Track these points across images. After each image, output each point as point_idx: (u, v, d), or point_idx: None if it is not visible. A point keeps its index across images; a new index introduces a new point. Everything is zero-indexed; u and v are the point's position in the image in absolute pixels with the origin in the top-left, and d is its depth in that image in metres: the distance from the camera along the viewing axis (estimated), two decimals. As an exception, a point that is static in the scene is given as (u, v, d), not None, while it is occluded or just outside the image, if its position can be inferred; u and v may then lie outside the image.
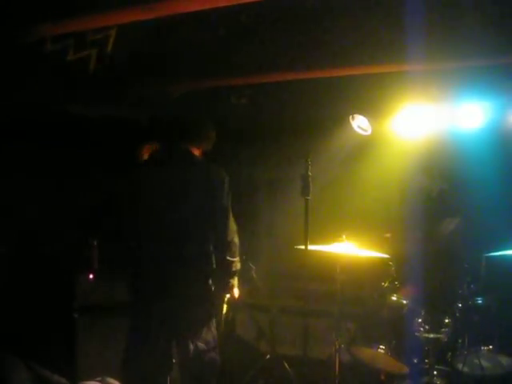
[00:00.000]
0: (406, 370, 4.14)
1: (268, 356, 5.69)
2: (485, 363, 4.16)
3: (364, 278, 4.61)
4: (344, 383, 4.51)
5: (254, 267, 5.50)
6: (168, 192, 3.86)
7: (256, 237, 6.34)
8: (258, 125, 5.81)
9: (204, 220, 3.86)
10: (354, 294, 4.71)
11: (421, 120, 5.21)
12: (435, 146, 5.30)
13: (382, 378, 4.45)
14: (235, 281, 4.11)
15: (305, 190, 3.99)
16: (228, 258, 3.93)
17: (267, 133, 5.87)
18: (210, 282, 3.86)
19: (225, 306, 4.24)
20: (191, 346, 3.85)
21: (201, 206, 3.86)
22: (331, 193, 5.61)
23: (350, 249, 4.25)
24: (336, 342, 4.35)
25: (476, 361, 4.12)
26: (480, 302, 4.29)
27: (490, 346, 4.17)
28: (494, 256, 4.21)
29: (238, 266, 4.05)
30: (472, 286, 4.31)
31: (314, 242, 4.16)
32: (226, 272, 3.97)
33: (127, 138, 5.06)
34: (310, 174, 3.98)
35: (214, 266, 3.88)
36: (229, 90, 5.50)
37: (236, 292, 4.17)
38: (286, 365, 5.47)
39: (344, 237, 4.29)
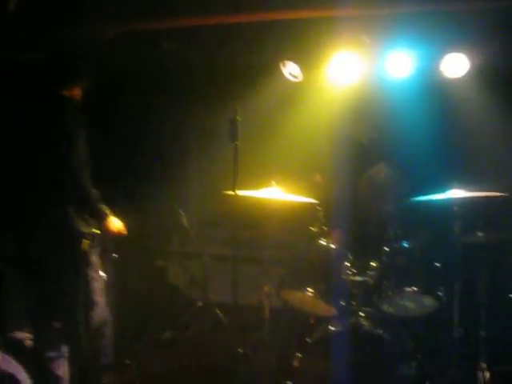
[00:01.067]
0: (333, 312, 4.21)
1: (200, 303, 5.72)
2: (409, 304, 4.27)
3: (293, 223, 4.65)
4: (275, 327, 4.59)
5: (184, 214, 5.49)
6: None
7: (186, 183, 6.31)
8: (189, 70, 5.71)
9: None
10: (283, 239, 4.75)
11: (351, 68, 5.21)
12: (365, 94, 5.33)
13: (311, 321, 4.54)
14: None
15: (233, 135, 3.96)
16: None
17: (198, 78, 5.79)
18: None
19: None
20: None
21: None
22: (262, 139, 5.59)
23: (278, 194, 4.28)
24: (266, 287, 4.41)
25: (401, 302, 4.23)
26: (405, 245, 4.39)
27: (414, 288, 4.28)
28: (420, 201, 4.30)
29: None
30: (398, 230, 4.39)
31: (244, 188, 4.16)
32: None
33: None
34: (238, 118, 3.95)
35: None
36: (160, 35, 5.39)
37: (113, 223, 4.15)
38: (218, 311, 5.52)
39: (273, 182, 4.32)
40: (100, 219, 4.07)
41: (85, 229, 3.99)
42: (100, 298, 4.15)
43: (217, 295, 5.61)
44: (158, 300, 5.97)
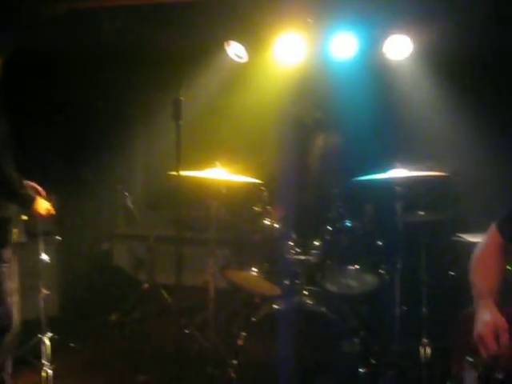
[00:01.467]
0: (278, 291, 4.24)
1: (146, 285, 5.71)
2: (352, 282, 4.33)
3: (237, 204, 4.65)
4: (221, 308, 4.61)
5: (129, 196, 5.44)
6: None
7: (131, 164, 6.26)
8: (132, 49, 5.63)
9: None
10: (227, 219, 4.76)
11: (296, 48, 5.22)
12: (310, 75, 5.35)
13: (257, 300, 4.56)
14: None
15: (176, 115, 3.92)
16: None
17: (141, 57, 5.71)
18: None
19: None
20: None
21: None
22: (207, 119, 5.58)
23: (222, 174, 4.27)
24: (211, 268, 4.42)
25: (343, 280, 4.28)
26: (348, 224, 4.45)
27: (357, 266, 4.35)
28: (362, 181, 4.35)
29: None
30: (341, 209, 4.44)
31: (188, 169, 4.14)
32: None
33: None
34: (181, 98, 3.92)
35: None
36: (102, 14, 5.31)
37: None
38: (164, 293, 5.52)
39: (217, 163, 4.31)
40: (25, 204, 3.93)
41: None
42: (11, 298, 3.90)
43: (163, 277, 5.60)
44: (104, 283, 5.93)
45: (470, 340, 2.49)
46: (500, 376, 2.34)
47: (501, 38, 4.93)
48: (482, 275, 2.67)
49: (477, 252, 2.77)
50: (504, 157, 4.84)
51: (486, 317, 2.46)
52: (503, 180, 4.85)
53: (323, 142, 5.19)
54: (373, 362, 4.34)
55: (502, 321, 2.44)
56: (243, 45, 5.26)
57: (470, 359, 2.43)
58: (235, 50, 5.28)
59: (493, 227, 2.72)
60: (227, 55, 5.28)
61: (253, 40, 5.24)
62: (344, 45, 5.18)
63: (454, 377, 2.49)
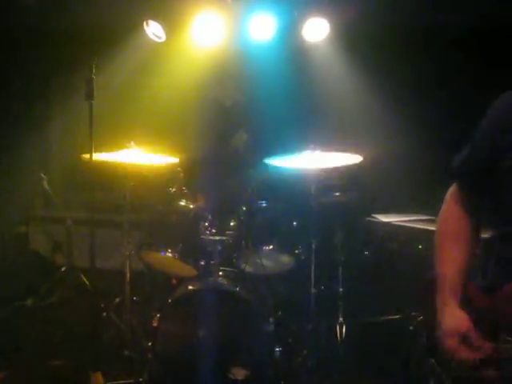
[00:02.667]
0: (194, 272, 4.23)
1: (64, 268, 5.61)
2: (266, 262, 4.36)
3: (152, 184, 4.61)
4: (137, 290, 4.58)
5: (45, 177, 5.32)
6: None
7: (47, 145, 6.12)
8: (48, 27, 5.50)
9: None
10: (142, 200, 4.71)
11: (215, 29, 5.19)
12: (229, 56, 5.34)
13: (174, 281, 4.55)
14: None
15: (89, 94, 3.85)
16: None
17: (58, 36, 5.58)
18: None
19: None
20: None
21: None
22: (123, 99, 5.50)
23: (138, 156, 4.23)
24: (126, 250, 4.38)
25: (258, 260, 4.31)
26: (264, 204, 4.47)
27: (271, 246, 4.39)
28: (278, 161, 4.37)
29: None
30: (256, 189, 4.46)
31: (103, 149, 4.08)
32: None
33: None
34: (93, 77, 3.84)
35: None
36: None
37: None
38: (82, 276, 5.43)
39: (132, 143, 4.26)
40: None
41: None
42: None
43: (80, 260, 5.51)
44: (19, 266, 5.79)
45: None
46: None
47: (415, 19, 5.03)
48: (444, 259, 2.16)
49: (438, 222, 2.27)
50: (417, 138, 4.95)
51: (447, 322, 2.06)
52: (416, 161, 4.99)
53: (238, 136, 5.20)
54: (289, 341, 4.42)
55: (463, 324, 2.04)
56: (161, 24, 5.18)
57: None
58: (154, 30, 5.20)
59: (448, 192, 2.25)
60: (146, 35, 5.20)
61: (171, 19, 5.18)
62: (263, 26, 5.18)
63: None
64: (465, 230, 2.17)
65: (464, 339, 1.99)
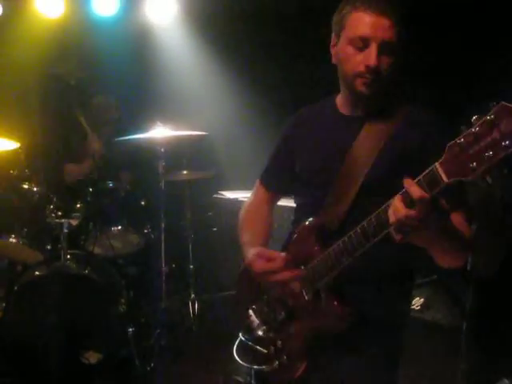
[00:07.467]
0: (40, 257, 4.10)
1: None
2: (115, 243, 4.34)
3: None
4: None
5: None
6: None
7: None
8: None
9: None
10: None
11: (58, 3, 5.00)
12: (72, 32, 5.16)
13: (19, 268, 4.38)
14: None
15: None
16: None
17: None
18: None
19: None
20: None
21: None
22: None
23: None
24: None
25: (107, 242, 4.28)
26: (110, 185, 4.42)
27: (120, 227, 4.36)
28: (124, 140, 4.30)
29: None
30: (102, 170, 4.41)
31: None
32: None
33: None
34: None
35: None
36: None
37: None
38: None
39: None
40: None
41: None
42: None
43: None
44: None
45: (251, 289, 2.39)
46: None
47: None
48: (249, 233, 2.48)
49: (243, 209, 2.61)
50: (261, 116, 5.04)
51: (251, 252, 2.32)
52: (259, 139, 5.09)
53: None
54: (142, 320, 4.42)
55: (263, 250, 2.31)
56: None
57: (254, 307, 2.39)
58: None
59: (257, 181, 2.58)
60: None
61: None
62: (106, 1, 5.06)
63: (245, 327, 2.42)
64: (262, 215, 2.57)
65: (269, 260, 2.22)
